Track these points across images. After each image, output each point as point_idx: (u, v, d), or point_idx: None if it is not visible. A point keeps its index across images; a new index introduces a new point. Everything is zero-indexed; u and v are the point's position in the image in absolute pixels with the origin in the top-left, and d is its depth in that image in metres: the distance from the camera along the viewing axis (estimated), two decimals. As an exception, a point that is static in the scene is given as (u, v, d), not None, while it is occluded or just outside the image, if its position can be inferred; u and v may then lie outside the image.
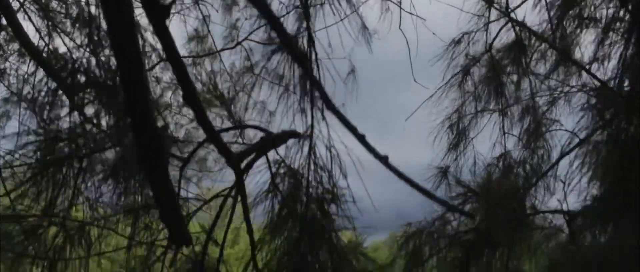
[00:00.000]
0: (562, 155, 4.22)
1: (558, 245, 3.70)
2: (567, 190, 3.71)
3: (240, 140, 2.83)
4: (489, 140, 4.95)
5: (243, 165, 2.11)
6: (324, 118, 1.91)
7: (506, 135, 4.96)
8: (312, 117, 1.98)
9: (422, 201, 3.85)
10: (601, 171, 3.92)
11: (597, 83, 4.26)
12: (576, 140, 4.13)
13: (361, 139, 1.23)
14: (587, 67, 4.43)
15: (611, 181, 3.71)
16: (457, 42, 4.38)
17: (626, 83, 4.20)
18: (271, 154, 2.16)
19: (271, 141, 2.02)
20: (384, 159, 1.23)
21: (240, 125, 2.45)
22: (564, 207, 3.72)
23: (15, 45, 4.44)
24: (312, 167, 2.01)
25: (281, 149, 2.16)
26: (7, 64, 4.51)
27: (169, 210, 1.58)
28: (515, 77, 4.90)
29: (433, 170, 4.72)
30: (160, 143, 1.33)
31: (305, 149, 2.00)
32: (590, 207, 3.55)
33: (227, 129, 2.50)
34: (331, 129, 1.93)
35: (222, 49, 5.01)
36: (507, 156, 4.77)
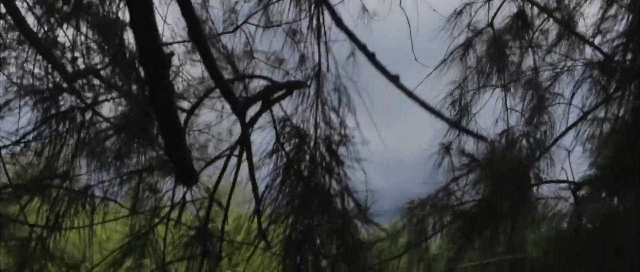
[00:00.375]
0: (567, 129, 4.19)
1: (563, 215, 3.68)
2: (572, 159, 3.69)
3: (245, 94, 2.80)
4: (492, 116, 4.93)
5: (248, 119, 2.07)
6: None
7: (509, 110, 4.93)
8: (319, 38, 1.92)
9: (427, 189, 3.85)
10: (605, 144, 3.90)
11: (601, 56, 4.23)
12: (580, 114, 4.11)
13: (371, 57, 1.20)
14: (591, 40, 4.40)
15: (615, 153, 3.68)
16: (458, 13, 4.35)
17: (630, 56, 4.17)
18: (276, 111, 2.13)
19: (276, 88, 1.98)
20: (395, 79, 1.19)
21: (246, 75, 2.40)
22: (569, 177, 3.69)
23: (15, 34, 4.39)
24: (319, 107, 1.97)
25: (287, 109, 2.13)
26: (7, 52, 4.46)
27: (176, 145, 1.54)
28: (517, 52, 4.87)
29: (435, 147, 4.70)
30: (167, 68, 1.30)
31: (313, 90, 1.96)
32: (596, 177, 3.53)
33: (234, 79, 2.45)
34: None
35: (222, 33, 4.97)
36: (510, 132, 4.75)
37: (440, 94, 4.94)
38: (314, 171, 2.25)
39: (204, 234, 2.40)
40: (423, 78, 4.88)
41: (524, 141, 4.54)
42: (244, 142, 2.13)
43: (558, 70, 4.72)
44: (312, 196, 2.40)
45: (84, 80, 2.12)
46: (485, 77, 5.01)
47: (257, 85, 2.51)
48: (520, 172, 3.84)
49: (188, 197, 2.33)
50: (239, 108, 2.01)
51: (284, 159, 2.22)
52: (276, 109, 2.15)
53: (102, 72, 2.99)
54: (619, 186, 3.48)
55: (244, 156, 2.19)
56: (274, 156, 2.23)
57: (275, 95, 2.07)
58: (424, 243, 3.39)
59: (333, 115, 2.05)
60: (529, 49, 4.90)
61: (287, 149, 2.20)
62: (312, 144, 2.14)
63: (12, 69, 4.28)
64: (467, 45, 4.34)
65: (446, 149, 4.70)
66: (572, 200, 3.76)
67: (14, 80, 4.12)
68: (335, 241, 2.58)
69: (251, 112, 2.11)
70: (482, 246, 3.57)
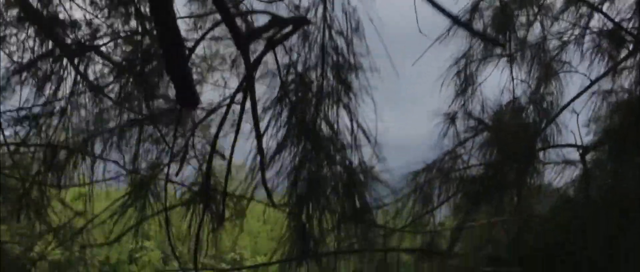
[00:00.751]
0: (574, 97, 4.13)
1: (571, 181, 3.62)
2: (580, 122, 3.63)
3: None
4: (498, 86, 4.87)
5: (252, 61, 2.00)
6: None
7: (515, 81, 4.86)
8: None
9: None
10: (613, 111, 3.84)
11: (610, 24, 4.17)
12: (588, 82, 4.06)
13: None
14: (599, 7, 4.33)
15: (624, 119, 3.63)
16: (464, -18, 4.25)
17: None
18: (281, 56, 2.05)
19: (279, 22, 1.90)
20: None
21: (250, 11, 2.33)
22: (577, 141, 3.64)
23: (15, 11, 4.32)
24: (326, 31, 1.89)
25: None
26: (8, 30, 4.39)
27: (177, 63, 1.47)
28: (524, 19, 4.79)
29: (440, 117, 4.64)
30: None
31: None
32: (605, 140, 3.48)
33: (239, 14, 2.38)
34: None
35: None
36: (516, 102, 4.68)
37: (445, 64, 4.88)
38: (319, 120, 2.19)
39: (205, 189, 2.33)
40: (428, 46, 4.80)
41: (531, 109, 4.48)
42: (247, 84, 2.06)
43: (565, 39, 4.66)
44: (318, 148, 2.34)
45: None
46: (491, 46, 4.94)
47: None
48: (528, 136, 3.78)
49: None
50: (243, 43, 1.94)
51: (288, 108, 2.15)
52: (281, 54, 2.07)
53: (103, 49, 2.94)
54: (627, 152, 3.43)
55: (247, 104, 2.11)
56: (278, 104, 2.17)
57: (279, 34, 1.99)
58: (430, 206, 3.33)
59: (341, 41, 1.96)
60: (536, 18, 4.82)
61: (293, 97, 2.13)
62: (319, 78, 2.05)
63: (13, 48, 4.22)
64: (473, 9, 4.26)
65: (451, 119, 4.64)
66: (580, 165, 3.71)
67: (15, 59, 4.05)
68: (341, 195, 2.53)
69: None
70: (489, 212, 3.52)
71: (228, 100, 2.16)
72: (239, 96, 2.12)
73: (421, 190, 3.48)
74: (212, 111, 2.29)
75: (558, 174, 3.69)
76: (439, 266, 3.31)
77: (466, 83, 4.98)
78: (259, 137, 2.19)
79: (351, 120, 2.09)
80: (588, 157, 3.64)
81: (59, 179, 2.24)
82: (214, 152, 2.14)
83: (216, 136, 2.16)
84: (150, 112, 2.24)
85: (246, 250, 24.52)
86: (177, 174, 2.26)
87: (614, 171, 3.35)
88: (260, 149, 2.15)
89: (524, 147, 3.43)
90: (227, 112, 2.14)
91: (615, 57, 4.43)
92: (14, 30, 4.23)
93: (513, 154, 3.46)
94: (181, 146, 2.25)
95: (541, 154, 3.73)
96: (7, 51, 4.26)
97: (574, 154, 3.75)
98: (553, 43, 4.63)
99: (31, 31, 3.75)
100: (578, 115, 3.57)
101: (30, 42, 3.70)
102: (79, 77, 2.24)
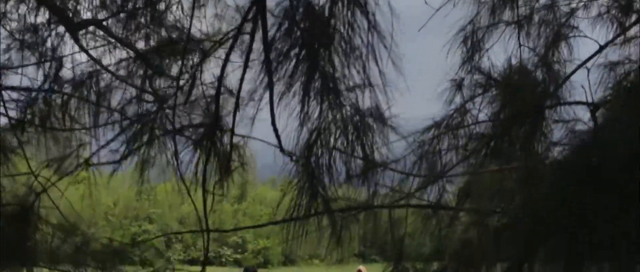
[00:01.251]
0: (583, 62, 4.08)
1: (580, 138, 3.57)
2: (590, 77, 3.58)
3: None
4: (505, 53, 4.81)
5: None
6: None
7: (522, 47, 4.81)
8: None
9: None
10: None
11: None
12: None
13: None
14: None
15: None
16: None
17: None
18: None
19: None
20: None
21: None
22: (588, 99, 3.58)
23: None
24: None
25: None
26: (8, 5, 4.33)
27: None
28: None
29: (447, 83, 4.59)
30: None
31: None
32: (615, 96, 3.42)
33: None
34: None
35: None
36: (524, 66, 4.63)
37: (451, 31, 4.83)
38: (330, 56, 2.14)
39: (212, 129, 2.29)
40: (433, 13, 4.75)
41: (539, 72, 4.43)
42: (257, 10, 2.00)
43: (574, 5, 4.62)
44: (328, 87, 2.29)
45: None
46: (498, 11, 4.89)
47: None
48: (537, 95, 3.73)
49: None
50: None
51: (299, 41, 2.09)
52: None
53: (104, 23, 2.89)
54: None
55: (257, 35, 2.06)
56: (288, 37, 2.11)
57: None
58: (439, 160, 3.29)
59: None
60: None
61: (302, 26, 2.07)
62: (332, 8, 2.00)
63: (14, 25, 4.16)
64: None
65: (458, 85, 4.59)
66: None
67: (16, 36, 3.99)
68: (351, 139, 2.49)
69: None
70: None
71: (236, 30, 2.10)
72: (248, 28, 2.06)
73: (430, 145, 3.45)
74: (219, 42, 2.24)
75: (568, 131, 3.65)
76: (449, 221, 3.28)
77: (473, 50, 4.94)
78: (270, 72, 2.13)
79: (366, 47, 2.02)
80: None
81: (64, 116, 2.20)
82: (221, 85, 2.09)
83: (224, 66, 2.10)
84: (157, 42, 2.19)
85: (248, 233, 24.69)
86: (184, 104, 2.21)
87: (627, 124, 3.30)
88: (270, 82, 2.10)
89: (534, 101, 3.38)
90: (232, 46, 2.08)
91: (624, 23, 4.39)
92: (15, 5, 4.18)
93: (522, 110, 3.41)
94: (188, 78, 2.20)
95: (551, 112, 3.68)
96: (7, 28, 4.21)
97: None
98: (562, 9, 4.59)
99: (33, 3, 3.71)
100: (588, 70, 3.51)
101: (32, 18, 3.66)
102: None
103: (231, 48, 2.09)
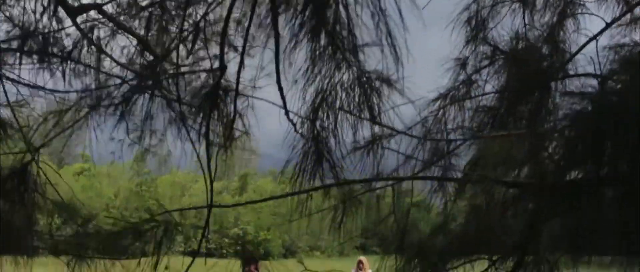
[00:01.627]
0: (589, 39, 4.04)
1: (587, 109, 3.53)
2: (599, 47, 3.53)
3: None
4: (510, 32, 4.76)
5: None
6: None
7: (527, 26, 4.77)
8: None
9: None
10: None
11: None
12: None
13: None
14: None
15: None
16: None
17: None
18: None
19: None
20: None
21: None
22: (596, 71, 3.54)
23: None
24: None
25: None
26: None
27: None
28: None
29: (451, 62, 4.54)
30: None
31: None
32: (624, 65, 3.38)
33: None
34: None
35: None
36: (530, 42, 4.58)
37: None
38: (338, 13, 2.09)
39: (215, 90, 2.24)
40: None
41: (545, 48, 4.39)
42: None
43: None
44: (335, 48, 2.24)
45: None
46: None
47: None
48: (543, 69, 3.69)
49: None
50: None
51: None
52: None
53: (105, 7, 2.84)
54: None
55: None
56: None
57: None
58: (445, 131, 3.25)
59: None
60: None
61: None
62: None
63: (14, 11, 4.10)
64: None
65: (462, 64, 4.55)
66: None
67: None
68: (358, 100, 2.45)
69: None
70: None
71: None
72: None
73: (435, 117, 3.41)
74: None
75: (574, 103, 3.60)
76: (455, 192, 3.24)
77: (477, 29, 4.89)
78: (277, 36, 2.08)
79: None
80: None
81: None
82: (225, 38, 2.03)
83: (226, 23, 2.05)
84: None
85: (250, 225, 24.73)
86: (187, 56, 2.16)
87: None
88: (276, 35, 2.05)
89: (541, 73, 3.34)
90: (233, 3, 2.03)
91: (629, 1, 4.35)
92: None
93: (529, 82, 3.37)
94: (191, 28, 2.15)
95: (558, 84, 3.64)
96: (7, 14, 4.16)
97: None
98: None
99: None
100: (597, 41, 3.46)
101: (32, 4, 3.61)
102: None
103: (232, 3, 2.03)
